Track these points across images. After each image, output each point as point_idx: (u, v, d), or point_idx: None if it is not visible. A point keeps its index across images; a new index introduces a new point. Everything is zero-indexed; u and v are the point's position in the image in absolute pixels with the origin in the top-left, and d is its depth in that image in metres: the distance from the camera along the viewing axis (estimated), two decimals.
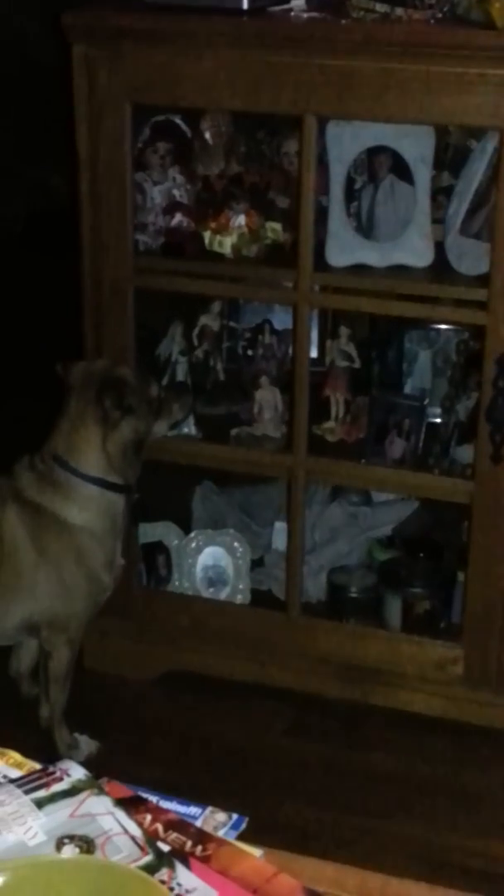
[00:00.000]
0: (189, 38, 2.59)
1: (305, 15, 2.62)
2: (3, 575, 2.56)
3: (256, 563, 3.15)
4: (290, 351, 3.01)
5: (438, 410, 2.93)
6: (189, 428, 2.95)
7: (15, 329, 4.77)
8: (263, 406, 2.96)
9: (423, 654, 2.85)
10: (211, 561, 3.09)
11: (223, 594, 3.07)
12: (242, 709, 2.94)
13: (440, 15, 2.56)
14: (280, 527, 3.15)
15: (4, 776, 1.29)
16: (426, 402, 2.93)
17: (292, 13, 2.63)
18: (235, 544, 3.08)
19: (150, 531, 3.09)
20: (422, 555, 3.01)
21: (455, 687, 2.83)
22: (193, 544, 3.09)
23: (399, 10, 2.56)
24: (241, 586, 3.07)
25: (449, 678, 2.83)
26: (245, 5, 2.59)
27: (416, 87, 2.48)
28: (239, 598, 3.07)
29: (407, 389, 3.01)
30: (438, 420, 2.92)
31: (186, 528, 3.17)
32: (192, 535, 3.12)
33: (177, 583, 3.10)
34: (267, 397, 2.96)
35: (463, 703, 2.83)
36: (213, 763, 2.76)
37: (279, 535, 3.15)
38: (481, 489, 2.69)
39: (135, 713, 2.96)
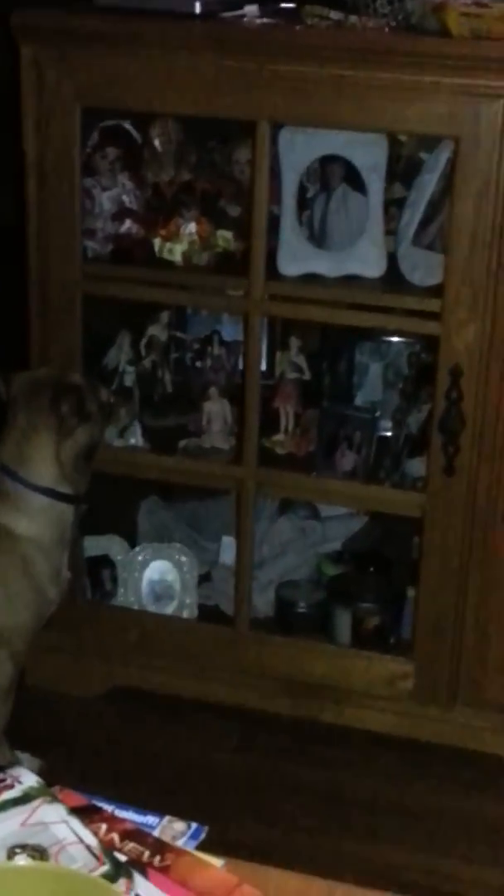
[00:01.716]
0: (140, 42, 2.56)
1: (259, 21, 2.59)
2: None
3: (203, 579, 3.10)
4: (240, 362, 2.98)
5: (389, 423, 2.91)
6: (136, 439, 2.90)
7: None
8: (212, 418, 2.92)
9: (373, 670, 2.81)
10: (157, 575, 3.03)
11: (170, 609, 3.01)
12: (190, 726, 2.88)
13: (394, 23, 2.54)
14: (228, 541, 3.10)
15: None
16: (377, 414, 2.90)
17: (245, 19, 2.61)
18: (182, 558, 3.03)
19: (96, 544, 3.03)
20: (371, 570, 2.97)
21: (405, 703, 2.79)
22: (139, 558, 3.04)
23: (353, 18, 2.54)
24: (187, 601, 3.02)
25: (399, 694, 2.79)
26: (197, 9, 2.57)
27: (371, 95, 2.46)
28: (185, 614, 3.02)
29: (357, 402, 2.99)
30: (389, 433, 2.90)
31: (132, 542, 3.11)
32: (138, 548, 3.06)
33: (122, 597, 3.04)
34: (216, 409, 2.92)
35: (413, 718, 2.79)
36: (161, 781, 2.70)
37: (227, 550, 3.10)
38: (433, 502, 2.66)
39: (79, 731, 2.89)
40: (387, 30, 2.52)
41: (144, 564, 3.03)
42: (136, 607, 3.02)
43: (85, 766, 2.71)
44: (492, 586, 2.68)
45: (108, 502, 2.85)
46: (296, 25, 2.55)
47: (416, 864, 2.52)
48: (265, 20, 2.60)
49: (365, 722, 2.82)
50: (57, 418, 2.48)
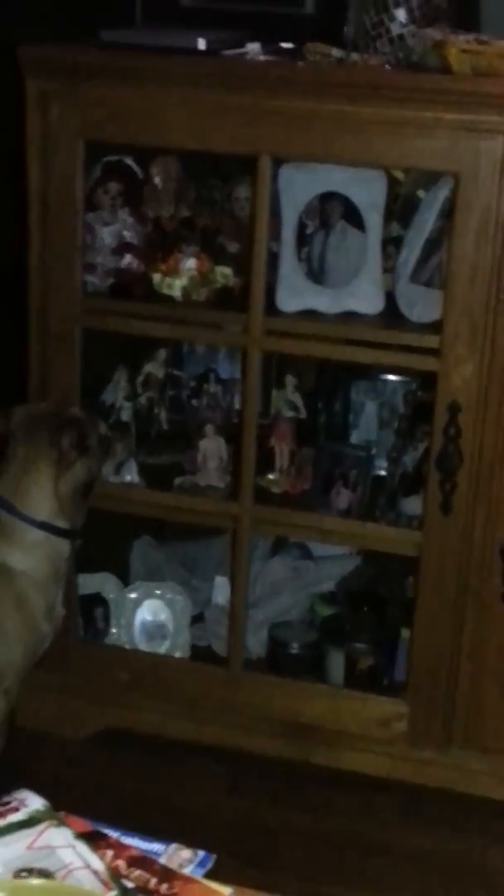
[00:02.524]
0: (145, 77, 2.56)
1: (261, 58, 2.60)
2: None
3: (196, 619, 3.06)
4: (235, 400, 2.97)
5: (384, 462, 2.89)
6: (132, 475, 2.88)
7: None
8: (208, 455, 2.90)
9: (367, 711, 2.78)
10: (150, 615, 3.00)
11: (162, 649, 2.98)
12: (181, 768, 2.84)
13: (395, 61, 2.56)
14: (221, 581, 3.07)
15: None
16: (373, 452, 2.88)
17: (247, 56, 2.61)
18: (175, 597, 3.00)
19: (89, 582, 2.99)
20: (365, 609, 2.94)
21: (399, 745, 2.76)
22: (132, 596, 3.00)
23: (355, 56, 2.56)
24: (180, 641, 2.98)
25: (393, 736, 2.76)
26: (201, 46, 2.57)
27: (372, 130, 2.47)
28: (178, 654, 2.98)
29: (353, 441, 2.97)
30: (384, 472, 2.88)
31: (125, 581, 3.08)
32: (131, 587, 3.03)
33: (115, 636, 3.00)
34: (211, 447, 2.90)
35: (407, 761, 2.76)
36: (151, 825, 2.60)
37: (220, 590, 3.07)
38: (429, 540, 2.64)
39: (69, 772, 2.84)
40: (388, 67, 2.53)
41: (137, 603, 3.00)
42: (128, 646, 2.98)
43: (73, 808, 2.65)
44: (488, 626, 2.65)
45: (101, 540, 2.82)
46: (297, 62, 2.56)
47: None
48: (267, 57, 2.61)
49: (358, 764, 2.78)
50: (57, 451, 2.46)
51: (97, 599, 3.00)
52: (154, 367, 3.02)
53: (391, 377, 3.00)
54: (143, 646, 2.99)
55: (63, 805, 2.71)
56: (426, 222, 2.68)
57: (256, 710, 2.82)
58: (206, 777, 2.82)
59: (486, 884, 2.54)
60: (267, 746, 2.83)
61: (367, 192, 2.68)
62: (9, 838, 1.13)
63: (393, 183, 2.75)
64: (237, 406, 2.94)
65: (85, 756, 2.88)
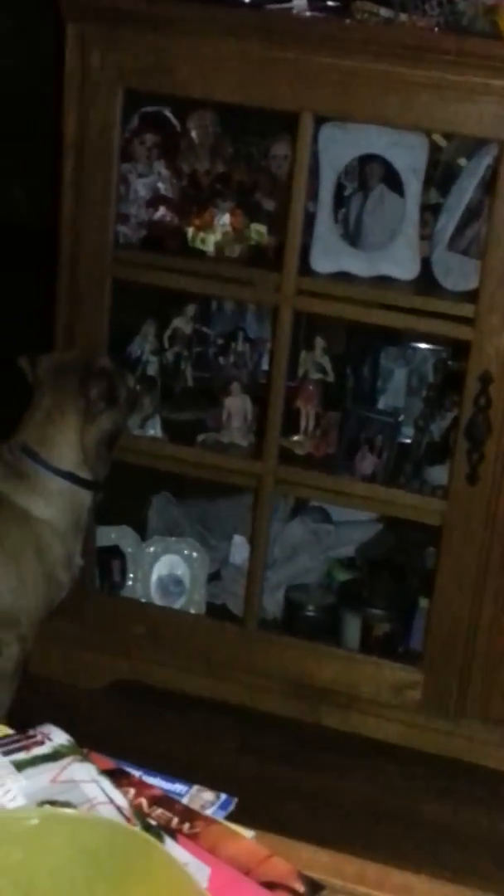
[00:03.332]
0: (188, 27, 2.54)
1: (308, 14, 2.57)
2: None
3: (213, 577, 3.06)
4: (263, 361, 2.95)
5: (411, 430, 2.87)
6: (155, 430, 2.87)
7: None
8: (232, 413, 2.88)
9: (381, 677, 2.77)
10: (167, 569, 3.00)
11: (178, 604, 2.98)
12: (192, 723, 2.84)
13: (444, 24, 2.52)
14: (239, 541, 3.07)
15: None
16: (400, 419, 2.87)
17: (294, 11, 2.58)
18: (193, 553, 2.99)
19: (107, 535, 2.99)
20: (384, 576, 2.93)
21: (412, 713, 2.75)
22: (150, 550, 3.00)
23: (403, 16, 2.53)
24: (196, 597, 2.98)
25: (406, 703, 2.75)
26: None
27: (418, 93, 2.44)
28: (194, 610, 2.98)
29: (380, 406, 2.95)
30: (410, 440, 2.86)
31: (143, 536, 3.07)
32: (150, 541, 3.03)
33: (131, 589, 3.00)
34: (236, 405, 2.88)
35: (419, 729, 2.75)
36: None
37: (237, 550, 3.07)
38: (454, 509, 2.63)
39: (79, 722, 2.79)
40: (436, 29, 2.50)
41: (155, 558, 3.00)
42: (144, 600, 2.98)
43: None
44: None
45: (121, 494, 2.82)
46: (345, 19, 2.53)
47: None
48: (314, 13, 2.57)
49: (370, 729, 2.78)
50: (85, 401, 2.45)
51: (115, 552, 3.00)
52: (182, 323, 3.00)
53: (421, 345, 2.98)
54: (159, 600, 2.99)
55: None
56: (466, 190, 2.65)
57: (269, 669, 2.82)
58: (216, 733, 2.82)
59: (492, 854, 2.54)
60: (279, 706, 2.83)
61: (408, 156, 2.65)
62: (33, 770, 1.12)
63: (434, 149, 2.72)
64: (264, 366, 2.93)
65: (96, 707, 2.88)
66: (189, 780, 2.70)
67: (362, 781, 2.72)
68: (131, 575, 3.01)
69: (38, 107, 3.11)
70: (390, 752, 2.76)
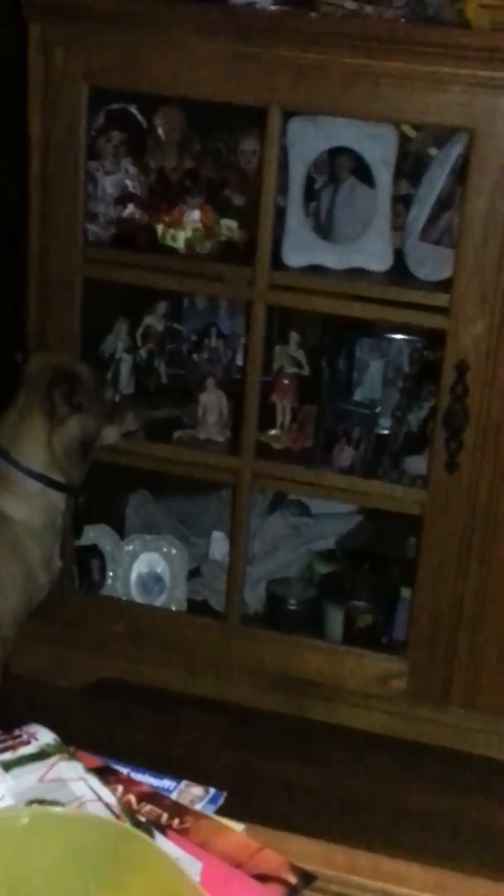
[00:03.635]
0: (152, 23, 2.53)
1: (272, 7, 2.57)
2: None
3: (193, 574, 3.06)
4: (237, 356, 2.95)
5: (388, 421, 2.87)
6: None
7: None
8: (208, 409, 2.88)
9: (365, 668, 2.78)
10: (146, 567, 2.99)
11: (159, 601, 2.97)
12: (176, 720, 2.84)
13: (411, 14, 2.52)
14: (218, 536, 3.06)
15: None
16: (377, 410, 2.87)
17: (258, 5, 2.58)
18: (172, 550, 2.99)
19: (85, 534, 2.98)
20: (365, 568, 2.94)
21: (397, 702, 2.76)
22: (129, 548, 2.99)
23: (369, 8, 2.52)
24: (177, 594, 2.98)
25: (391, 693, 2.76)
26: None
27: (386, 84, 2.44)
28: (174, 607, 2.97)
29: (356, 398, 2.95)
30: (387, 431, 2.86)
31: (121, 534, 3.06)
32: (129, 539, 3.02)
33: (111, 588, 2.99)
34: (212, 400, 2.88)
35: (405, 719, 2.76)
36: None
37: (217, 545, 3.07)
38: (433, 499, 2.63)
39: (62, 722, 2.78)
40: (402, 20, 2.50)
41: (134, 556, 2.99)
42: (124, 598, 2.97)
43: None
44: (490, 586, 2.65)
45: (99, 492, 2.81)
46: (311, 13, 2.52)
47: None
48: (279, 7, 2.57)
49: (356, 720, 2.78)
50: (50, 404, 2.44)
51: (93, 551, 2.99)
52: (154, 320, 3.00)
53: (397, 336, 2.98)
54: (140, 598, 2.98)
55: None
56: (437, 180, 2.66)
57: (253, 664, 2.82)
58: (201, 729, 2.82)
59: (480, 840, 2.54)
60: (263, 700, 2.82)
61: (378, 147, 2.65)
62: (20, 770, 1.12)
63: (403, 140, 2.72)
64: (238, 362, 2.92)
65: (80, 706, 2.87)
66: (177, 776, 2.70)
67: (350, 772, 2.72)
68: (111, 573, 3.00)
69: (3, 103, 3.09)
70: (377, 743, 2.77)
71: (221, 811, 1.73)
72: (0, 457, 2.47)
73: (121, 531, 3.09)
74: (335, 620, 2.86)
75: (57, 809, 0.99)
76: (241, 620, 2.86)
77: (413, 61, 2.41)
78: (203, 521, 3.18)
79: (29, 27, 2.57)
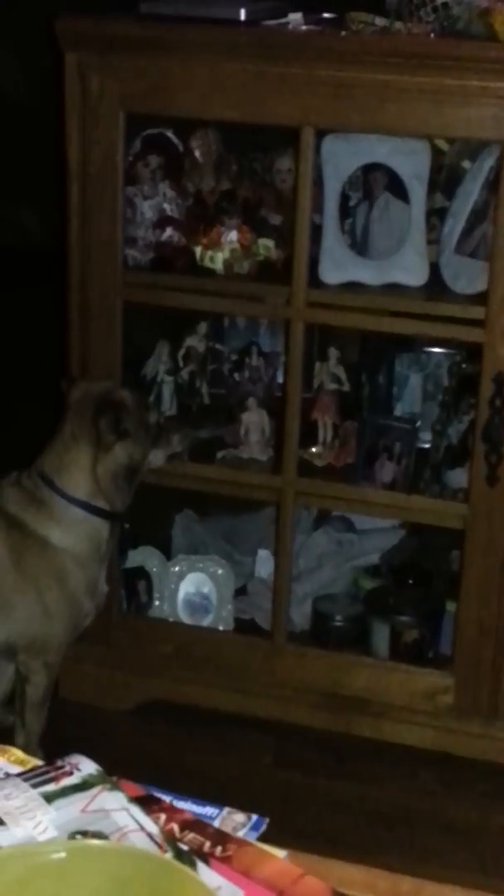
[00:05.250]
0: (184, 48, 2.55)
1: (303, 28, 2.58)
2: None
3: (239, 593, 3.07)
4: (278, 374, 2.96)
5: (429, 435, 2.87)
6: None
7: None
8: (250, 429, 2.89)
9: (412, 684, 2.77)
10: (193, 588, 3.00)
11: (206, 621, 2.98)
12: (224, 740, 2.85)
13: (439, 29, 2.53)
14: (264, 555, 3.07)
15: (6, 773, 1.21)
16: (418, 425, 2.87)
17: (290, 26, 2.59)
18: (218, 570, 3.00)
19: (132, 556, 3.00)
20: (410, 582, 2.93)
21: (445, 718, 2.75)
22: (176, 569, 3.00)
23: (398, 24, 2.53)
24: (223, 614, 2.99)
25: (438, 709, 2.75)
26: (242, 17, 2.56)
27: (417, 100, 2.45)
28: (221, 626, 2.98)
29: (397, 413, 2.96)
30: (428, 445, 2.86)
31: (167, 555, 3.08)
32: (175, 560, 3.03)
33: (158, 609, 3.00)
34: (254, 420, 2.89)
35: (452, 734, 2.75)
36: (196, 795, 2.65)
37: (262, 564, 3.08)
38: (475, 512, 2.63)
39: (112, 744, 2.84)
40: (432, 35, 2.51)
41: (181, 576, 3.00)
42: (171, 619, 2.99)
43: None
44: None
45: (144, 514, 2.83)
46: (340, 31, 2.54)
47: (453, 882, 2.46)
48: (310, 27, 2.59)
49: (403, 737, 2.78)
50: (96, 432, 2.46)
51: (140, 573, 3.01)
52: (195, 341, 3.01)
53: (435, 349, 2.98)
54: (187, 619, 2.99)
55: (109, 774, 2.73)
56: (471, 193, 2.66)
57: (300, 682, 2.82)
58: (250, 749, 2.83)
59: None
60: (311, 718, 2.83)
61: (411, 162, 2.66)
62: (63, 801, 1.13)
63: (437, 153, 2.72)
64: (279, 379, 2.93)
65: (129, 728, 2.89)
66: (225, 796, 2.71)
67: (398, 789, 2.72)
68: (157, 595, 3.02)
69: (41, 130, 3.13)
70: (425, 759, 2.76)
71: (270, 830, 1.74)
72: (45, 485, 2.49)
73: (167, 552, 3.11)
74: (381, 636, 2.86)
75: (95, 842, 1.00)
76: (288, 638, 2.86)
77: (443, 76, 2.42)
78: (249, 539, 3.19)
79: (65, 57, 2.60)
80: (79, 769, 1.19)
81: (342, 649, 2.87)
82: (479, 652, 2.69)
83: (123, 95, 2.60)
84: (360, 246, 2.72)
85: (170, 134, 2.82)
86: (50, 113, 2.77)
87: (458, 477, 2.74)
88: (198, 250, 2.75)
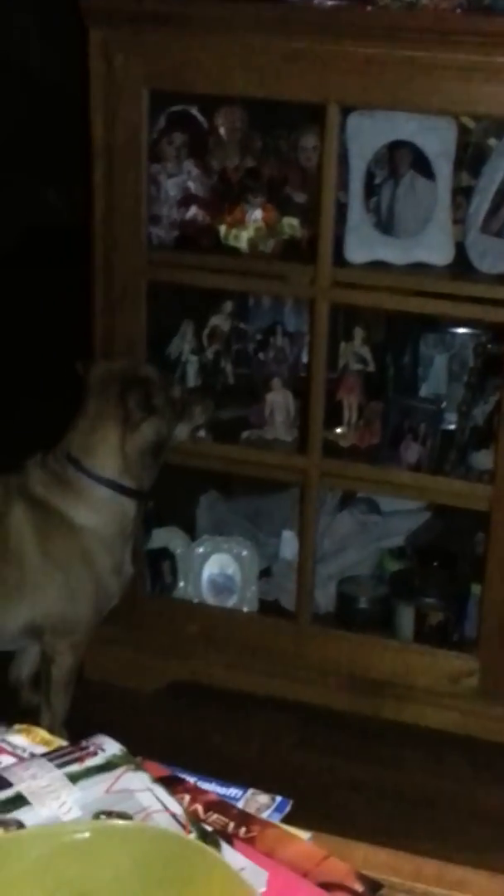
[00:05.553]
0: (209, 24, 2.53)
1: (329, 3, 2.55)
2: (8, 573, 2.46)
3: (264, 574, 3.06)
4: (303, 354, 2.94)
5: (454, 416, 2.85)
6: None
7: (14, 341, 4.71)
8: (275, 409, 2.88)
9: (437, 667, 2.76)
10: (217, 568, 2.99)
11: (230, 602, 2.97)
12: (249, 721, 2.84)
13: (467, 4, 2.50)
14: (288, 536, 3.06)
15: (31, 754, 1.20)
16: (443, 406, 2.85)
17: (315, 1, 2.56)
18: (243, 552, 2.99)
19: (156, 537, 2.99)
20: (435, 565, 2.92)
21: (469, 701, 2.74)
22: (200, 550, 3.00)
23: (425, 0, 2.50)
24: (248, 595, 2.98)
25: (463, 692, 2.74)
26: None
27: (444, 77, 2.42)
28: (246, 608, 2.98)
29: (422, 394, 2.93)
30: (453, 426, 2.84)
31: (192, 536, 3.07)
32: (199, 541, 3.02)
33: (182, 590, 3.00)
34: (279, 400, 2.88)
35: (477, 717, 2.73)
36: (220, 776, 2.64)
37: (287, 545, 3.06)
38: (501, 494, 2.61)
39: (137, 725, 2.82)
40: (459, 10, 2.48)
41: (205, 558, 2.99)
42: (195, 601, 2.98)
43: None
44: None
45: (168, 495, 2.82)
46: (367, 6, 2.51)
47: (478, 865, 2.45)
48: (335, 2, 2.56)
49: (428, 719, 2.77)
50: (123, 410, 2.45)
51: (164, 554, 3.00)
52: (220, 320, 3.00)
53: (461, 330, 2.95)
54: (211, 600, 2.99)
55: (134, 755, 2.72)
56: (498, 170, 2.63)
57: (325, 664, 2.82)
58: (274, 730, 2.82)
59: None
60: (335, 700, 2.82)
61: (437, 140, 2.63)
62: (87, 782, 1.12)
63: (463, 131, 2.70)
64: (304, 359, 2.91)
65: (153, 708, 2.89)
66: (249, 777, 2.71)
67: (422, 772, 2.71)
68: (182, 576, 3.01)
69: (69, 109, 3.12)
70: (449, 741, 2.75)
71: (292, 812, 1.73)
72: (71, 465, 2.48)
73: (192, 532, 3.10)
74: (406, 618, 2.85)
75: (119, 822, 0.99)
76: (312, 620, 2.85)
77: (470, 52, 2.39)
78: (273, 520, 3.18)
79: (90, 33, 2.59)
80: (103, 749, 1.18)
81: (366, 631, 2.86)
82: None
83: (148, 72, 2.58)
84: (385, 225, 2.69)
85: (194, 111, 2.80)
86: (75, 91, 2.75)
87: (483, 458, 2.72)
88: (222, 229, 2.73)
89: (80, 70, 2.64)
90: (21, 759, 1.15)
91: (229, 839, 1.11)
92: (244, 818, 1.16)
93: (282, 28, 2.49)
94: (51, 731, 2.65)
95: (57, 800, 1.10)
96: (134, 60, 2.57)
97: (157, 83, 2.60)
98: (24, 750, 1.18)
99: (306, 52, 2.47)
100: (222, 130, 2.84)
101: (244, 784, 2.32)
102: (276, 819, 1.20)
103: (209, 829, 1.12)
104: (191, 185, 2.78)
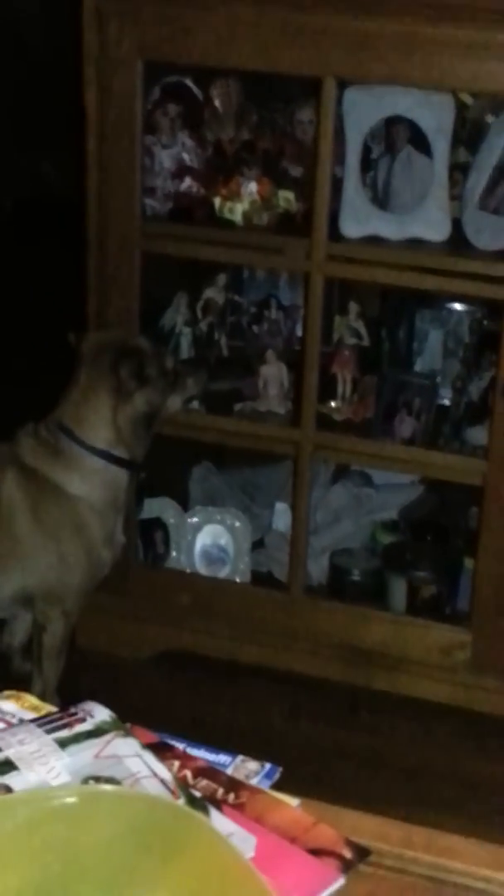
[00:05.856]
0: None
1: None
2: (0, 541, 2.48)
3: (256, 545, 3.07)
4: (297, 328, 2.95)
5: (449, 391, 2.86)
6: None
7: (8, 313, 4.70)
8: (269, 381, 2.88)
9: (429, 639, 2.78)
10: (210, 539, 3.01)
11: (223, 573, 2.99)
12: (241, 691, 2.86)
13: None
14: (281, 507, 3.07)
15: (20, 720, 1.21)
16: (438, 381, 2.85)
17: None
18: (236, 523, 3.00)
19: (149, 507, 3.01)
20: (428, 538, 2.93)
21: (461, 673, 2.76)
22: (193, 520, 3.01)
23: None
24: (241, 566, 2.99)
25: (455, 664, 2.76)
26: None
27: (442, 52, 2.41)
28: (238, 579, 2.99)
29: (417, 369, 2.94)
30: (448, 401, 2.85)
31: (185, 507, 3.08)
32: (192, 511, 3.04)
33: (175, 560, 3.01)
34: (272, 372, 2.88)
35: (468, 689, 2.76)
36: (211, 744, 2.67)
37: (280, 517, 3.08)
38: (495, 469, 2.62)
39: (129, 693, 2.86)
40: None
41: (198, 528, 3.01)
42: (188, 571, 3.00)
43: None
44: None
45: (162, 465, 2.83)
46: None
47: (467, 834, 2.47)
48: None
49: (420, 691, 2.79)
50: (116, 380, 2.45)
51: (157, 524, 3.01)
52: (214, 293, 3.00)
53: (456, 305, 2.96)
54: (204, 570, 3.00)
55: (124, 723, 2.74)
56: (495, 147, 2.63)
57: (317, 634, 2.83)
58: (266, 700, 2.84)
59: None
60: (327, 670, 2.84)
61: (435, 116, 2.63)
62: (76, 747, 1.13)
63: (461, 107, 2.70)
64: (299, 333, 2.92)
65: (145, 678, 2.91)
66: (240, 746, 2.73)
67: (412, 743, 2.73)
68: (174, 546, 3.02)
69: (62, 80, 3.11)
70: (440, 713, 2.77)
71: (282, 780, 1.75)
72: (63, 435, 2.49)
73: (184, 503, 3.11)
74: (398, 591, 2.86)
75: (107, 788, 1.01)
76: (305, 591, 2.87)
77: (469, 27, 2.39)
78: (266, 492, 3.19)
79: (83, 3, 2.57)
80: (92, 716, 1.19)
81: (359, 603, 2.87)
82: (497, 608, 2.69)
83: (142, 42, 2.57)
84: (381, 199, 2.69)
85: (189, 83, 2.79)
86: (69, 62, 2.74)
87: (477, 434, 2.73)
88: (217, 201, 2.73)
89: (74, 41, 2.63)
90: (10, 725, 1.16)
91: (218, 805, 1.13)
92: (233, 784, 1.18)
93: (278, 0, 2.48)
94: (42, 698, 2.66)
95: (45, 765, 1.11)
96: (128, 29, 2.56)
97: (152, 53, 2.59)
98: (14, 716, 1.19)
99: (302, 25, 2.47)
100: (217, 102, 2.83)
101: (236, 751, 2.34)
102: (265, 786, 1.21)
103: (198, 794, 1.13)
104: (185, 156, 2.78)
